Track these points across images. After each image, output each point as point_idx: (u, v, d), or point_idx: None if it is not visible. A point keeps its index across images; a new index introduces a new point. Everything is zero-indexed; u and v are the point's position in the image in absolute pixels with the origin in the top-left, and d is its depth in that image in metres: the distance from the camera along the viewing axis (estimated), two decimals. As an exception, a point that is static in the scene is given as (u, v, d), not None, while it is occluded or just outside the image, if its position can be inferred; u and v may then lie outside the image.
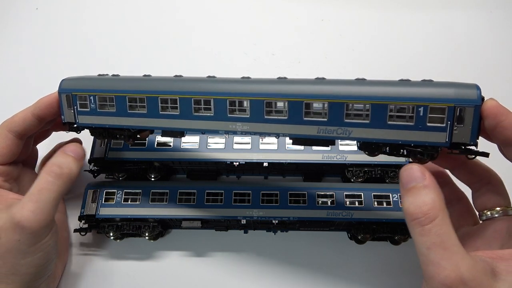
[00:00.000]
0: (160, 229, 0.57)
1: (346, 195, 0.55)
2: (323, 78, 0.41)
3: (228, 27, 0.79)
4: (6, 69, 0.75)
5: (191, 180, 0.63)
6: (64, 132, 0.54)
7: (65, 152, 0.46)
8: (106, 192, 0.56)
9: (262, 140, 0.59)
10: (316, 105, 0.40)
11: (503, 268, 0.33)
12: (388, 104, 0.37)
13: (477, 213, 0.43)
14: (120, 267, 0.57)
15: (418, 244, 0.34)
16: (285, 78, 0.43)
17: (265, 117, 0.41)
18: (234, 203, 0.55)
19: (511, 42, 0.76)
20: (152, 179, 0.61)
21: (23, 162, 0.54)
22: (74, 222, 0.58)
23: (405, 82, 0.38)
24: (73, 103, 0.48)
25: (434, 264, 0.33)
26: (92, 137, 0.54)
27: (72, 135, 0.53)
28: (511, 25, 0.78)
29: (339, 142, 0.58)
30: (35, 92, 0.71)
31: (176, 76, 0.46)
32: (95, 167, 0.60)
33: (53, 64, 0.75)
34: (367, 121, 0.38)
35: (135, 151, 0.59)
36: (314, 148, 0.58)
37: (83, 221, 0.55)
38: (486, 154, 0.36)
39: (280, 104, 0.41)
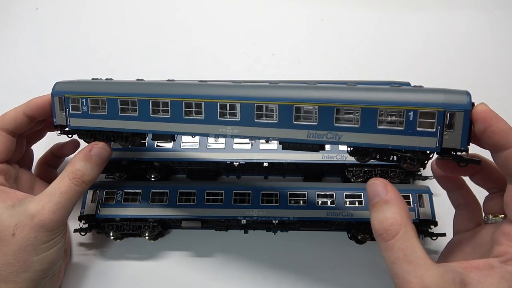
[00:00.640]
0: (160, 229, 0.58)
1: (346, 195, 0.55)
2: (315, 83, 0.41)
3: (228, 27, 0.79)
4: (5, 69, 0.75)
5: (191, 180, 0.63)
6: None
7: (90, 155, 0.47)
8: (106, 192, 0.56)
9: (260, 141, 0.59)
10: (307, 108, 0.40)
11: (474, 278, 0.33)
12: (378, 108, 0.37)
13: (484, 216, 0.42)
14: (120, 267, 0.57)
15: (384, 259, 0.35)
16: (276, 82, 0.43)
17: (256, 120, 0.41)
18: (234, 203, 0.55)
19: (511, 42, 0.76)
20: (152, 179, 0.61)
21: (19, 163, 0.54)
22: (74, 222, 0.58)
23: (395, 88, 0.38)
24: (65, 105, 0.49)
25: (400, 278, 0.33)
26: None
27: (63, 138, 0.54)
28: (511, 25, 0.78)
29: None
30: (34, 92, 0.71)
31: (168, 80, 0.47)
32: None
33: (53, 64, 0.75)
34: (357, 126, 0.38)
35: (135, 151, 0.59)
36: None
37: (83, 221, 0.55)
38: (477, 162, 0.36)
39: (270, 108, 0.41)
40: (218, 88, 0.43)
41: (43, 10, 0.81)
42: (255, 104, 0.41)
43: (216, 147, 0.59)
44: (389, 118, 0.37)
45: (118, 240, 0.59)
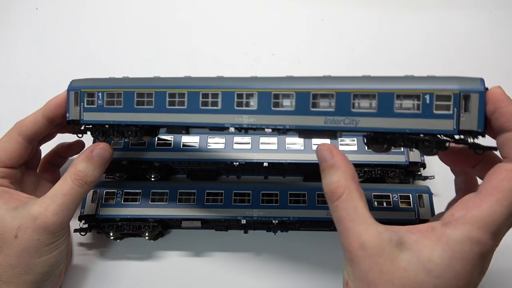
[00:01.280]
0: (160, 229, 0.58)
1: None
2: (330, 76, 0.42)
3: (228, 27, 0.79)
4: (5, 69, 0.75)
5: (191, 180, 0.63)
6: (67, 134, 0.55)
7: (92, 156, 0.47)
8: (106, 192, 0.56)
9: (260, 141, 0.59)
10: (324, 93, 0.40)
11: (412, 239, 0.34)
12: (394, 92, 0.38)
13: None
14: (120, 267, 0.57)
15: (333, 220, 0.38)
16: (292, 76, 0.44)
17: (272, 109, 0.42)
18: (234, 203, 0.55)
19: (511, 42, 0.76)
20: (152, 179, 0.61)
21: (26, 164, 0.54)
22: (74, 222, 0.58)
23: (410, 77, 0.39)
24: (81, 100, 0.49)
25: (341, 234, 0.36)
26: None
27: (69, 137, 0.54)
28: (511, 25, 0.78)
29: (339, 142, 0.58)
30: (34, 92, 0.72)
31: (185, 76, 0.48)
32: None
33: (53, 64, 0.75)
34: (374, 111, 0.39)
35: (135, 151, 0.59)
36: (314, 148, 0.58)
37: (83, 221, 0.55)
38: (495, 148, 0.37)
39: (288, 95, 0.42)
40: (235, 81, 0.44)
41: (43, 10, 0.81)
42: (273, 93, 0.42)
43: (216, 147, 0.59)
44: (405, 101, 0.38)
45: (118, 240, 0.59)
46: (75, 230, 0.56)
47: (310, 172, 0.62)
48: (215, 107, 0.44)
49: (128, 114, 0.47)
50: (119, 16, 0.80)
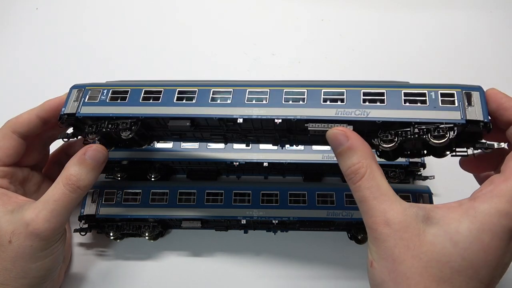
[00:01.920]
0: (160, 229, 0.57)
1: (346, 195, 0.55)
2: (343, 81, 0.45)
3: (228, 27, 0.79)
4: (5, 69, 0.75)
5: (191, 180, 0.63)
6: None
7: (85, 159, 0.45)
8: (106, 192, 0.56)
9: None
10: (335, 91, 0.42)
11: (439, 213, 0.34)
12: (401, 90, 0.41)
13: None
14: (120, 267, 0.57)
15: (356, 200, 0.38)
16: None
17: (283, 102, 0.43)
18: (234, 203, 0.55)
19: (511, 42, 0.76)
20: (152, 179, 0.61)
21: (29, 166, 0.53)
22: (74, 222, 0.58)
23: (415, 84, 0.42)
24: (83, 95, 0.48)
25: (366, 214, 0.36)
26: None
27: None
28: (511, 25, 0.78)
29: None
30: (33, 91, 0.72)
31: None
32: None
33: (52, 64, 0.75)
34: (383, 104, 0.40)
35: (135, 151, 0.59)
36: (314, 148, 0.58)
37: (83, 221, 0.55)
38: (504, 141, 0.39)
39: (299, 92, 0.43)
40: (247, 84, 0.45)
41: (43, 10, 0.81)
42: (284, 90, 0.43)
43: (216, 147, 0.59)
44: (413, 98, 0.40)
45: (118, 240, 0.59)
46: (75, 230, 0.56)
47: (310, 172, 0.62)
48: (225, 102, 0.44)
49: (132, 108, 0.46)
50: (119, 16, 0.80)
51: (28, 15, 0.80)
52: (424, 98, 0.40)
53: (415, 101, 0.40)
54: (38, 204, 0.43)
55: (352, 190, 0.38)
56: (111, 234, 0.56)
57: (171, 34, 0.78)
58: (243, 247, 0.58)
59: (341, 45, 0.76)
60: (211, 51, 0.76)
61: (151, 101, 0.46)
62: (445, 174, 0.59)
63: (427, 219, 0.34)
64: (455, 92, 0.39)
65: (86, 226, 0.56)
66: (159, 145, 0.59)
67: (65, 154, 0.58)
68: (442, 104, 0.39)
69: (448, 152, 0.41)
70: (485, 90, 0.40)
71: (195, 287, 0.56)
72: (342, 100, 0.42)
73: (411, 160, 0.57)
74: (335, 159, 0.56)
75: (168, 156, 0.59)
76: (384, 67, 0.73)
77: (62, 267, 0.54)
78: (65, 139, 0.48)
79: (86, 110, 0.47)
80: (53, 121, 0.49)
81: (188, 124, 0.44)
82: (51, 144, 0.56)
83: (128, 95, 0.47)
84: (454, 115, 0.38)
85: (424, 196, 0.54)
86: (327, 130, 0.40)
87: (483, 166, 0.44)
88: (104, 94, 0.47)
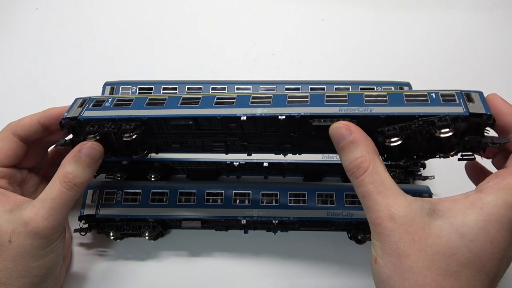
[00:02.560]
0: (160, 229, 0.58)
1: (346, 195, 0.55)
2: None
3: (228, 27, 0.79)
4: (4, 69, 0.75)
5: (191, 180, 0.63)
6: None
7: (80, 156, 0.44)
8: (106, 192, 0.56)
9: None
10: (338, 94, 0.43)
11: (445, 206, 0.34)
12: (403, 93, 0.41)
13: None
14: (120, 267, 0.57)
15: (358, 195, 0.37)
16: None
17: (287, 104, 0.43)
18: (234, 203, 0.55)
19: (511, 42, 0.76)
20: (152, 179, 0.61)
21: (29, 168, 0.53)
22: (74, 222, 0.58)
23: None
24: (87, 103, 0.48)
25: (370, 209, 0.35)
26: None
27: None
28: (511, 25, 0.78)
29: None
30: (32, 92, 0.72)
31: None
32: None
33: (52, 64, 0.75)
34: (386, 102, 0.41)
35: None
36: (314, 148, 0.58)
37: (83, 221, 0.55)
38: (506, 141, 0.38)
39: (303, 95, 0.43)
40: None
41: (43, 10, 0.81)
42: (288, 95, 0.44)
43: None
44: (414, 98, 0.41)
45: (118, 240, 0.59)
46: (75, 230, 0.56)
47: (310, 172, 0.62)
48: (229, 103, 0.45)
49: (136, 111, 0.46)
50: (119, 16, 0.80)
51: (28, 15, 0.80)
52: (425, 98, 0.40)
53: (417, 100, 0.41)
54: (36, 202, 0.43)
55: (355, 185, 0.37)
56: (111, 234, 0.56)
57: (171, 34, 0.78)
58: (243, 247, 0.58)
59: (341, 45, 0.76)
60: (211, 51, 0.76)
61: (155, 106, 0.46)
62: (445, 174, 0.60)
63: (433, 212, 0.34)
64: (455, 93, 0.40)
65: (86, 226, 0.56)
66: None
67: (60, 156, 0.58)
68: (443, 102, 0.40)
69: (455, 149, 0.40)
70: (485, 95, 0.40)
71: (195, 287, 0.56)
72: (345, 101, 0.42)
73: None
74: (335, 159, 0.57)
75: (168, 156, 0.59)
76: (384, 67, 0.73)
77: (63, 266, 0.54)
78: (62, 147, 0.48)
79: (89, 114, 0.47)
80: (54, 128, 0.50)
81: (190, 122, 0.44)
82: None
83: (132, 102, 0.47)
84: (457, 109, 0.38)
85: (424, 196, 0.54)
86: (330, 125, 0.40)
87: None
88: (109, 102, 0.48)
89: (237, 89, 0.61)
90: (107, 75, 0.65)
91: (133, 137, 0.45)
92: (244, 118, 0.43)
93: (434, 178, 0.60)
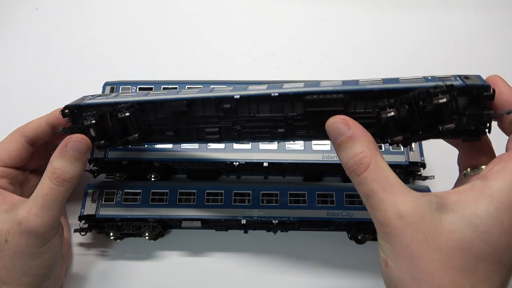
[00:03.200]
0: (160, 229, 0.58)
1: (346, 195, 0.55)
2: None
3: (228, 27, 0.79)
4: (4, 69, 0.75)
5: (191, 180, 0.63)
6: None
7: (66, 151, 0.44)
8: (106, 192, 0.56)
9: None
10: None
11: (453, 199, 0.32)
12: (398, 78, 0.39)
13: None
14: (120, 267, 0.57)
15: (360, 194, 0.35)
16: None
17: (282, 88, 0.43)
18: (234, 203, 0.55)
19: (511, 42, 0.76)
20: (152, 179, 0.61)
21: (32, 170, 0.54)
22: (74, 222, 0.58)
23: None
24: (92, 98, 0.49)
25: (375, 208, 0.33)
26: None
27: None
28: (511, 25, 0.78)
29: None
30: (32, 92, 0.72)
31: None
32: (95, 167, 0.60)
33: (52, 64, 0.75)
34: (381, 83, 0.39)
35: (135, 151, 0.59)
36: (314, 148, 0.58)
37: (83, 221, 0.55)
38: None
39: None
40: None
41: (43, 10, 0.81)
42: (283, 84, 0.43)
43: (216, 147, 0.59)
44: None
45: (118, 240, 0.59)
46: (75, 230, 0.56)
47: (310, 172, 0.62)
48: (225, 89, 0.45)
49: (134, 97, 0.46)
50: (119, 16, 0.80)
51: (28, 15, 0.80)
52: (421, 79, 0.38)
53: (412, 81, 0.38)
54: (29, 201, 0.43)
55: (356, 183, 0.35)
56: (111, 234, 0.56)
57: (171, 34, 0.78)
58: (243, 247, 0.58)
59: (341, 45, 0.76)
60: (211, 50, 0.76)
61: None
62: (445, 174, 0.59)
63: (442, 207, 0.32)
64: (452, 76, 0.38)
65: (86, 226, 0.56)
66: (159, 145, 0.59)
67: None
68: (439, 80, 0.37)
69: (455, 122, 0.37)
70: (486, 78, 0.37)
71: (195, 287, 0.56)
72: (339, 84, 0.40)
73: (411, 160, 0.57)
74: (335, 159, 0.57)
75: (168, 156, 0.59)
76: (384, 67, 0.73)
77: (63, 266, 0.54)
78: (61, 134, 0.48)
79: (89, 102, 0.47)
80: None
81: (184, 102, 0.44)
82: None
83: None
84: (454, 83, 0.36)
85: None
86: (325, 99, 0.38)
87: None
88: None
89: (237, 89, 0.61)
90: (107, 75, 0.65)
91: (127, 114, 0.44)
92: (237, 96, 0.42)
93: (434, 178, 0.60)
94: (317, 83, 0.42)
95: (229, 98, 0.43)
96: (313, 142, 0.58)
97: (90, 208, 0.55)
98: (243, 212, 0.54)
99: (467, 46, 0.75)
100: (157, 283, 0.56)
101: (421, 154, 0.58)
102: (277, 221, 0.54)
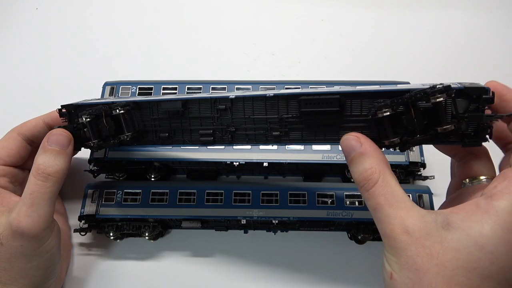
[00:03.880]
0: (160, 229, 0.58)
1: (346, 195, 0.55)
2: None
3: (228, 27, 0.79)
4: (4, 69, 0.75)
5: (191, 180, 0.63)
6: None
7: (47, 146, 0.44)
8: (106, 192, 0.56)
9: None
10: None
11: (459, 217, 0.33)
12: (396, 84, 0.40)
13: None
14: (120, 267, 0.57)
15: (368, 208, 0.36)
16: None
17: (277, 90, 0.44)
18: (234, 203, 0.55)
19: (511, 42, 0.76)
20: (152, 179, 0.61)
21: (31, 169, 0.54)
22: (74, 222, 0.58)
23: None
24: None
25: (382, 222, 0.34)
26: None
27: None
28: (511, 25, 0.78)
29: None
30: (32, 92, 0.72)
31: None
32: (95, 167, 0.60)
33: (52, 64, 0.75)
34: (378, 87, 0.40)
35: (135, 151, 0.59)
36: (314, 148, 0.58)
37: (83, 221, 0.55)
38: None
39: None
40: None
41: (43, 10, 0.81)
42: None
43: (216, 147, 0.59)
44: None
45: (118, 240, 0.59)
46: (75, 230, 0.56)
47: (310, 172, 0.62)
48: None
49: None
50: (119, 16, 0.80)
51: (28, 15, 0.80)
52: (418, 85, 0.38)
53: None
54: (19, 202, 0.43)
55: (365, 197, 0.36)
56: (111, 234, 0.56)
57: (171, 34, 0.78)
58: (243, 247, 0.58)
59: (341, 45, 0.76)
60: (211, 51, 0.76)
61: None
62: (445, 174, 0.59)
63: (447, 225, 0.33)
64: (451, 83, 0.37)
65: (86, 226, 0.56)
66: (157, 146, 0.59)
67: None
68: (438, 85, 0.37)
69: (453, 122, 0.36)
70: (484, 84, 0.37)
71: (195, 287, 0.56)
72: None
73: (411, 160, 0.57)
74: (335, 159, 0.57)
75: (168, 156, 0.59)
76: (384, 67, 0.73)
77: (63, 266, 0.54)
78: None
79: (87, 102, 0.48)
80: None
81: (180, 103, 0.44)
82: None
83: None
84: (452, 85, 0.36)
85: (424, 196, 0.54)
86: (321, 99, 0.39)
87: (455, 147, 0.42)
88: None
89: (237, 89, 0.61)
90: (107, 75, 0.65)
91: (122, 111, 0.45)
92: (233, 97, 0.43)
93: (434, 178, 0.60)
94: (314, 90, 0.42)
95: (225, 99, 0.43)
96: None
97: (90, 208, 0.55)
98: (243, 212, 0.54)
99: (467, 46, 0.75)
100: (157, 283, 0.56)
101: (421, 154, 0.58)
102: (277, 221, 0.54)
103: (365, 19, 0.79)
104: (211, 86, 0.61)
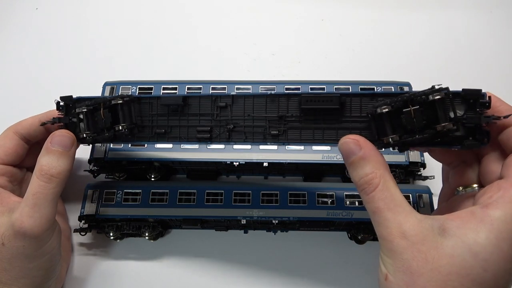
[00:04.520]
0: (160, 229, 0.58)
1: (346, 195, 0.55)
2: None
3: (228, 27, 0.79)
4: (3, 69, 0.75)
5: (191, 180, 0.63)
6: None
7: (51, 147, 0.44)
8: (106, 192, 0.56)
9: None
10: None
11: (454, 224, 0.33)
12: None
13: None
14: (120, 267, 0.57)
15: (368, 211, 0.37)
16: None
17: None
18: (234, 203, 0.55)
19: (511, 42, 0.76)
20: (152, 179, 0.61)
21: (29, 167, 0.54)
22: (74, 222, 0.58)
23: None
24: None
25: (380, 225, 0.35)
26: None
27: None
28: (511, 25, 0.78)
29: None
30: (31, 92, 0.72)
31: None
32: (95, 167, 0.60)
33: (52, 64, 0.75)
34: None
35: (135, 151, 0.59)
36: (314, 148, 0.58)
37: (83, 221, 0.55)
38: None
39: None
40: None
41: (43, 10, 0.81)
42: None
43: (216, 147, 0.59)
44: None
45: (118, 240, 0.59)
46: (75, 230, 0.56)
47: (310, 172, 0.62)
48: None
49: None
50: (119, 16, 0.80)
51: (28, 15, 0.80)
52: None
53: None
54: (22, 203, 0.43)
55: (365, 201, 0.37)
56: (111, 234, 0.56)
57: (171, 34, 0.78)
58: (243, 247, 0.58)
59: (341, 45, 0.76)
60: (211, 51, 0.76)
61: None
62: (445, 174, 0.60)
63: (443, 231, 0.33)
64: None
65: (86, 226, 0.56)
66: (159, 145, 0.59)
67: None
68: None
69: (452, 120, 0.37)
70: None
71: (195, 287, 0.56)
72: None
73: (411, 160, 0.57)
74: (335, 159, 0.57)
75: (168, 156, 0.59)
76: (384, 67, 0.73)
77: (63, 266, 0.54)
78: (52, 124, 0.48)
79: (85, 96, 0.47)
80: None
81: (181, 98, 0.44)
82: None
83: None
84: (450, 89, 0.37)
85: (424, 196, 0.54)
86: (321, 96, 0.39)
87: (450, 155, 0.43)
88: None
89: (237, 89, 0.61)
90: (107, 75, 0.65)
91: (120, 101, 0.45)
92: (233, 93, 0.43)
93: (434, 178, 0.60)
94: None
95: (226, 96, 0.44)
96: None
97: (90, 208, 0.55)
98: (243, 212, 0.54)
99: (467, 46, 0.75)
100: (157, 283, 0.56)
101: (421, 154, 0.58)
102: (277, 221, 0.54)
103: (365, 19, 0.79)
104: (211, 86, 0.61)
